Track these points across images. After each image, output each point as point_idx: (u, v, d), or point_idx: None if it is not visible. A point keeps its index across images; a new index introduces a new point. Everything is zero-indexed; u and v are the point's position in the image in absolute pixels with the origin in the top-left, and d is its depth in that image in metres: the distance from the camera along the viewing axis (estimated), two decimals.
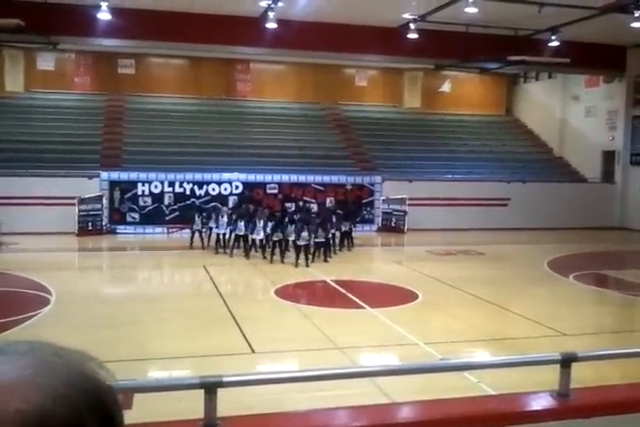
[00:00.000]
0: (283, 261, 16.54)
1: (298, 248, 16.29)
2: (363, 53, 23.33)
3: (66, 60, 27.86)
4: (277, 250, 16.85)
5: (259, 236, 17.15)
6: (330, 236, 17.56)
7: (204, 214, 18.80)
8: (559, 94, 29.86)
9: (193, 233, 18.88)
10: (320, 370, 5.04)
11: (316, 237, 16.45)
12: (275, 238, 16.75)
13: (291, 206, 19.97)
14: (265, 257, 16.95)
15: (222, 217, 18.18)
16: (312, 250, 16.62)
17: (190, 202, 22.33)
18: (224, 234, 18.13)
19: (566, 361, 3.57)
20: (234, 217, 17.97)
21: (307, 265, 16.08)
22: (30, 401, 0.74)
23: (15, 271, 14.54)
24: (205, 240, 18.65)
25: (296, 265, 16.04)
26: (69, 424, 0.75)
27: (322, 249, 16.99)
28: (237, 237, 17.59)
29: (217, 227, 18.21)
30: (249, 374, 5.65)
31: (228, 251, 17.83)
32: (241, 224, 17.41)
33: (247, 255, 17.20)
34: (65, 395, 0.76)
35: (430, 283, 14.37)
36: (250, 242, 17.36)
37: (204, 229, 18.67)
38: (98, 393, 0.80)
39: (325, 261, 16.87)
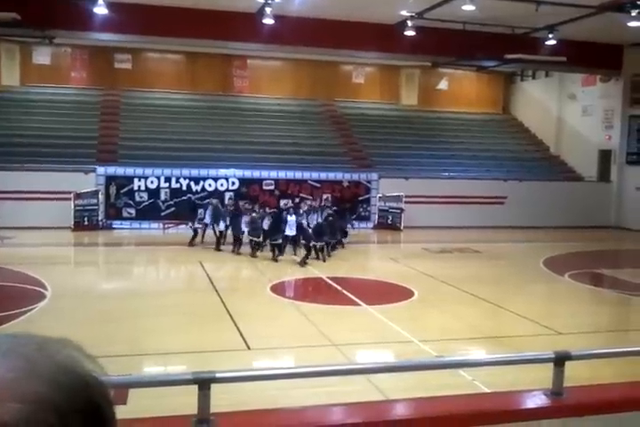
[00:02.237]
0: (276, 259, 16.45)
1: (307, 248, 16.23)
2: (360, 50, 23.28)
3: (62, 55, 27.75)
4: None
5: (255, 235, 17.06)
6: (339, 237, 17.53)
7: (200, 211, 18.75)
8: (556, 93, 29.87)
9: (195, 231, 18.77)
10: (315, 367, 5.03)
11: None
12: (275, 242, 16.63)
13: (287, 203, 19.90)
14: (256, 256, 16.79)
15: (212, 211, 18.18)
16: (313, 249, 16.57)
17: (187, 197, 22.30)
18: (220, 231, 18.11)
19: (560, 360, 3.57)
20: (228, 212, 17.94)
21: (304, 262, 15.99)
22: (11, 411, 0.69)
23: (10, 266, 14.49)
24: (203, 236, 18.61)
25: (302, 264, 15.85)
26: None
27: (326, 247, 16.92)
28: (235, 235, 17.54)
29: (210, 222, 18.20)
30: (242, 370, 5.64)
31: (223, 247, 17.81)
32: (240, 221, 17.38)
33: (253, 254, 16.96)
34: (50, 399, 0.72)
35: (426, 280, 14.39)
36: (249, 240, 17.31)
37: (199, 226, 18.64)
38: (86, 391, 0.75)
39: (320, 259, 16.77)
